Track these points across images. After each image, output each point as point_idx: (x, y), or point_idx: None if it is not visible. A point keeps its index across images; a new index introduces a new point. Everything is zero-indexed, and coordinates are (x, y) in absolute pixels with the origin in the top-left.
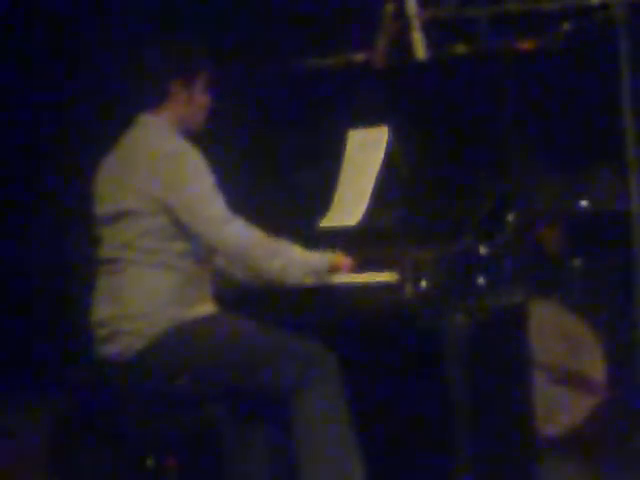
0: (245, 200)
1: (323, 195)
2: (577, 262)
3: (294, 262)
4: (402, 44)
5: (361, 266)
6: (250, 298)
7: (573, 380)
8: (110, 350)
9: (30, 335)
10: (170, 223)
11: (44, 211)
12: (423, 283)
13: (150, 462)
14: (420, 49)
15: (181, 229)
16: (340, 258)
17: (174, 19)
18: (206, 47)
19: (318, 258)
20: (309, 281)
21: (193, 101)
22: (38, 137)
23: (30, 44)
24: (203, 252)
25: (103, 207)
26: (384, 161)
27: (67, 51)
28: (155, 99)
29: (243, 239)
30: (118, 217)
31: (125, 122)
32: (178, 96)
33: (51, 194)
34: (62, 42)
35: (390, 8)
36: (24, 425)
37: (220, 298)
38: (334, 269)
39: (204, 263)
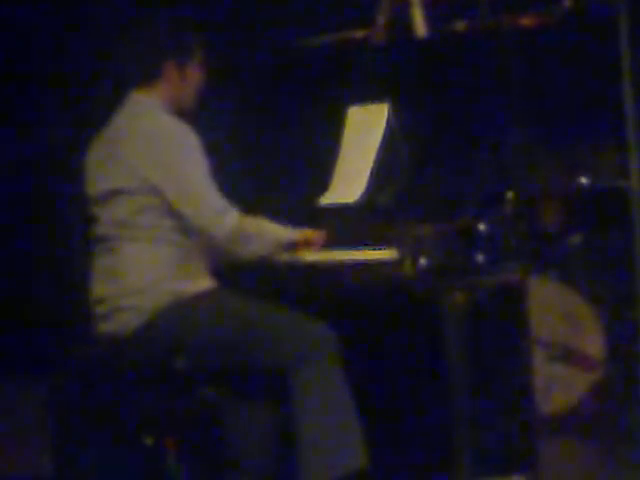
0: (244, 178)
1: (322, 172)
2: (577, 239)
3: (272, 243)
4: (402, 21)
5: (358, 243)
6: (248, 274)
7: (572, 357)
8: (109, 327)
9: (29, 314)
10: (163, 201)
11: (44, 196)
12: (422, 260)
13: (149, 441)
14: (420, 26)
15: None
16: (309, 234)
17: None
18: (200, 26)
19: (288, 235)
20: (277, 255)
21: (186, 80)
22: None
23: (19, 21)
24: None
25: (95, 186)
26: (383, 138)
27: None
28: (147, 78)
29: (232, 233)
30: (111, 196)
31: (116, 101)
32: (171, 76)
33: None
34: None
35: None
36: (23, 404)
37: (218, 274)
38: (303, 245)
39: (199, 238)
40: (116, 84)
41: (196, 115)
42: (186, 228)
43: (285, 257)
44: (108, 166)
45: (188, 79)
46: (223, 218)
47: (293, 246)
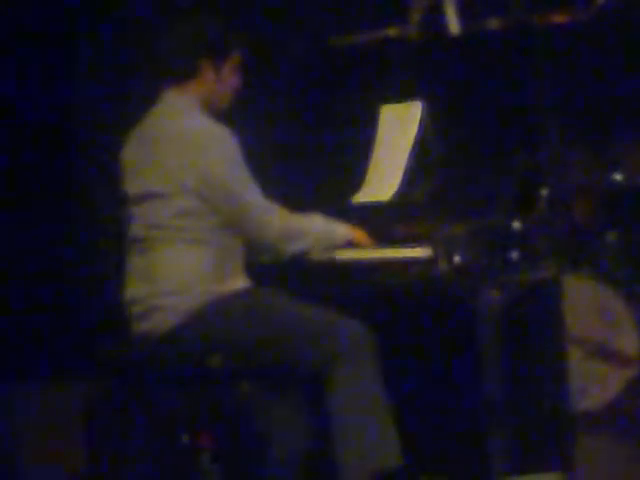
0: (277, 176)
1: (356, 170)
2: (612, 236)
3: (319, 239)
4: (435, 18)
5: (392, 241)
6: (283, 272)
7: (608, 354)
8: (145, 327)
9: (65, 314)
10: (199, 203)
11: (72, 192)
12: (456, 258)
13: (185, 438)
14: (453, 23)
15: (212, 208)
16: (358, 233)
17: None
18: (240, 26)
19: (341, 230)
20: (328, 254)
21: (221, 81)
22: (61, 114)
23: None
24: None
25: (132, 185)
26: (417, 136)
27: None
28: (182, 76)
29: (279, 232)
30: (146, 198)
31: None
32: (206, 75)
33: (79, 174)
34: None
35: None
36: (59, 404)
37: (253, 272)
38: (352, 242)
39: (235, 237)
40: (151, 80)
41: (230, 113)
42: (223, 227)
43: (321, 255)
44: (143, 167)
45: (224, 79)
46: (270, 218)
47: (348, 244)
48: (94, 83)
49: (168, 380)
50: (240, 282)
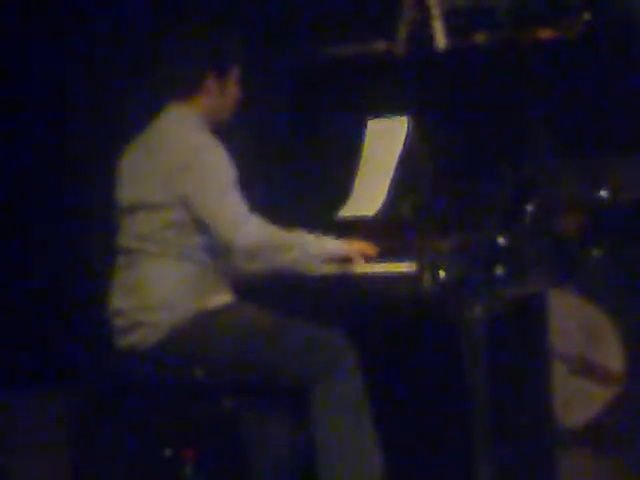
0: (264, 190)
1: (342, 184)
2: (598, 252)
3: (308, 253)
4: (422, 33)
5: (379, 255)
6: (268, 287)
7: (592, 371)
8: (129, 340)
9: (48, 325)
10: (190, 217)
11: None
12: (442, 273)
13: (168, 453)
14: (440, 38)
15: (200, 223)
16: (358, 245)
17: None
18: (240, 40)
19: (334, 245)
20: (326, 269)
21: (225, 95)
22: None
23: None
24: (221, 245)
25: (125, 195)
26: (403, 151)
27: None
28: (187, 91)
29: (255, 240)
30: (139, 208)
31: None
32: (211, 88)
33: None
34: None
35: None
36: (41, 418)
37: (238, 287)
38: (351, 256)
39: (222, 255)
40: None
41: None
42: (210, 245)
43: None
44: (139, 177)
45: (227, 92)
46: (242, 227)
47: (343, 259)
48: (91, 92)
49: (151, 394)
50: (224, 298)
